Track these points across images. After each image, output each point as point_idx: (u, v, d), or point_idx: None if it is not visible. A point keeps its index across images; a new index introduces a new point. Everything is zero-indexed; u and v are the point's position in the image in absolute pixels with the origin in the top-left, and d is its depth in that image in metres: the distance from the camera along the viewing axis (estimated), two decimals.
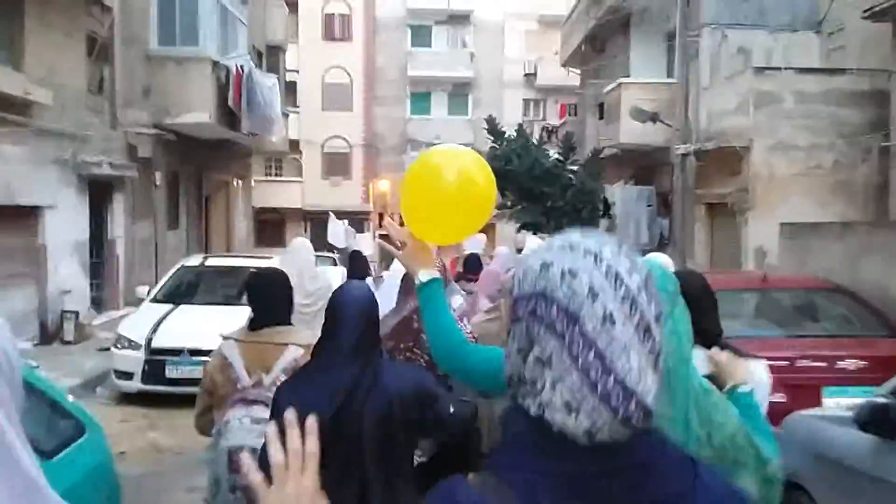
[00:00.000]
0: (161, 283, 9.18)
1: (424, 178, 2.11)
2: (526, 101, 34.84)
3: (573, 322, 0.92)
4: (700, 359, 2.00)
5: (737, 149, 12.17)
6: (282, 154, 32.83)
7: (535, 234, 17.78)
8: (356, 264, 7.35)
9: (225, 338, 3.31)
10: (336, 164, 33.64)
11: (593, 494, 0.92)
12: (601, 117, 17.75)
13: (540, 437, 0.94)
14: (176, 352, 7.57)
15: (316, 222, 32.75)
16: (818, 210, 11.53)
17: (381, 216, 34.84)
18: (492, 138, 17.76)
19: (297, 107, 33.17)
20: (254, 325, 3.27)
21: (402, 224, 2.14)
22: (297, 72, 32.89)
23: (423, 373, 2.78)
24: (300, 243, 6.40)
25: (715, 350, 2.17)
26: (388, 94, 34.12)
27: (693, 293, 2.14)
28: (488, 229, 34.81)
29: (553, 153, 17.92)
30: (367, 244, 30.19)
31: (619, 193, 15.70)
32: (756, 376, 2.31)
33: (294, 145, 32.82)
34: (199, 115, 14.40)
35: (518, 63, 34.37)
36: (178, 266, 9.40)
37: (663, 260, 2.78)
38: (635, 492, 0.93)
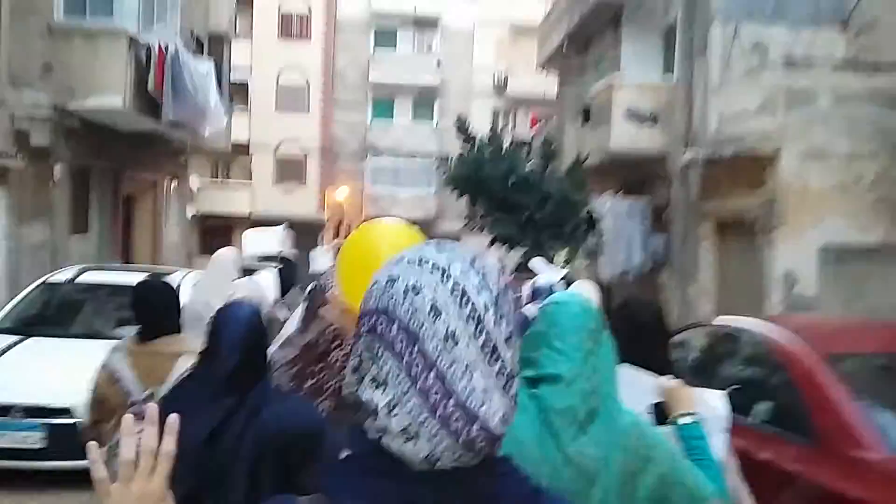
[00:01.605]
0: (9, 305, 6.64)
1: (361, 256, 2.24)
2: (495, 111, 32.76)
3: (413, 341, 0.88)
4: (649, 387, 2.08)
5: (760, 156, 10.13)
6: (229, 156, 30.29)
7: (509, 249, 15.61)
8: (286, 272, 6.60)
9: (113, 350, 3.24)
10: (290, 170, 31.13)
11: None
12: (585, 122, 15.66)
13: (378, 460, 0.89)
14: (2, 409, 5.10)
15: None
16: (858, 231, 9.53)
17: (337, 226, 32.38)
18: (461, 141, 15.55)
19: (248, 107, 30.70)
20: (143, 335, 3.23)
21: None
22: (250, 70, 30.42)
23: (312, 410, 2.40)
24: (222, 256, 5.52)
25: (665, 378, 2.12)
26: (348, 98, 31.79)
27: (643, 323, 2.40)
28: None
29: (529, 161, 15.73)
30: (323, 259, 27.93)
31: (608, 207, 13.56)
32: (710, 406, 2.20)
33: (244, 148, 30.34)
34: (110, 98, 11.92)
35: (488, 71, 32.35)
36: (38, 282, 6.87)
37: (588, 292, 2.38)
38: None
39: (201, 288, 5.19)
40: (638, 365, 2.17)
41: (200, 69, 14.14)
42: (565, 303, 1.85)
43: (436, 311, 0.88)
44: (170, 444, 1.00)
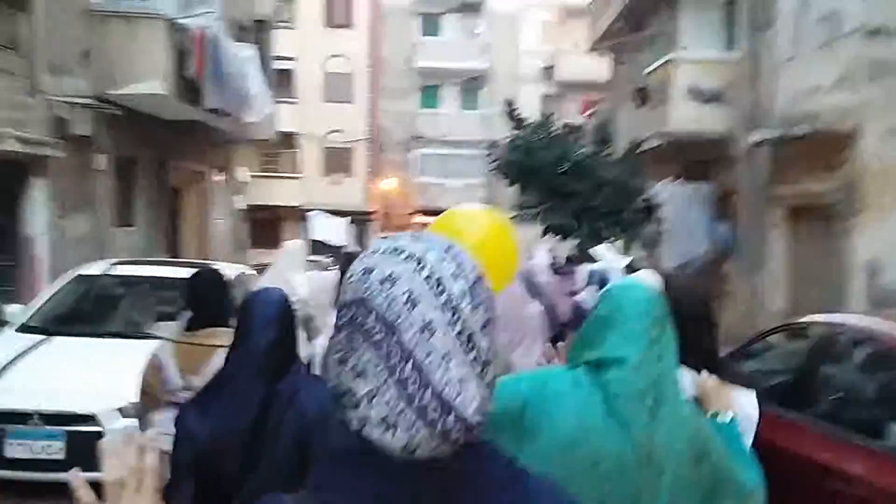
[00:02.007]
0: (37, 301, 6.28)
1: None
2: (544, 97, 31.98)
3: (391, 331, 0.89)
4: (687, 382, 2.03)
5: (837, 135, 9.31)
6: (276, 147, 30.17)
7: (563, 238, 14.96)
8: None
9: (161, 338, 3.33)
10: (337, 160, 30.83)
11: None
12: (641, 104, 14.89)
13: (362, 452, 0.91)
14: (20, 416, 4.71)
15: None
16: None
17: (385, 217, 32.31)
18: (511, 126, 14.92)
19: (295, 97, 30.48)
20: (191, 325, 3.28)
21: None
22: (296, 59, 30.18)
23: (323, 388, 1.58)
24: (291, 246, 5.85)
25: (704, 374, 2.14)
26: (394, 86, 31.33)
27: (691, 313, 2.27)
28: None
29: (582, 147, 15.00)
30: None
31: (669, 193, 12.80)
32: (742, 407, 2.20)
33: (291, 139, 30.18)
34: (150, 84, 11.62)
35: (535, 55, 31.56)
36: (68, 277, 6.51)
37: (651, 281, 2.61)
38: None
39: (272, 276, 5.29)
40: (681, 355, 2.04)
41: (242, 55, 13.80)
42: (630, 287, 1.85)
43: (412, 301, 0.89)
44: (153, 459, 1.02)
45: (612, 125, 15.74)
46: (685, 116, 12.36)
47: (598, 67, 27.36)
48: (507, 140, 14.75)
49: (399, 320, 0.88)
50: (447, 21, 31.64)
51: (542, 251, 10.49)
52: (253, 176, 28.89)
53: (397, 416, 0.87)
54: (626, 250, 13.84)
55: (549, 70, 31.35)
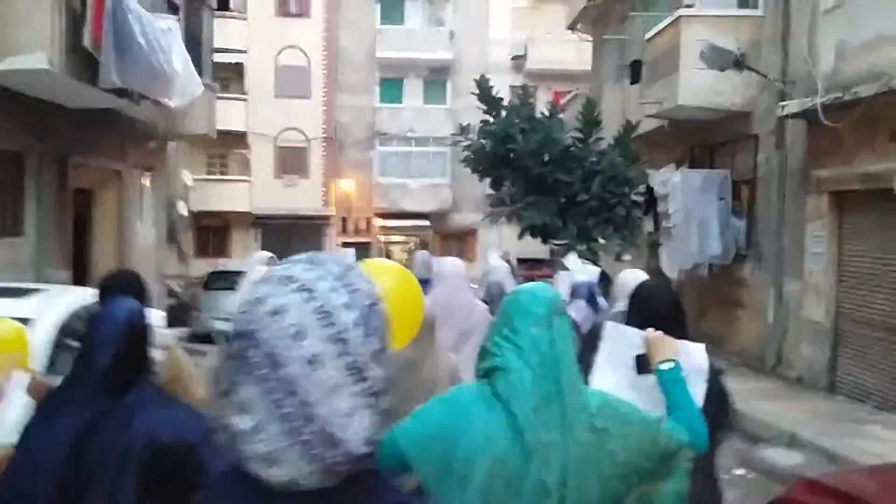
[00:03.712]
0: None
1: None
2: (514, 88, 29.78)
3: (275, 365, 0.88)
4: (634, 341, 2.25)
5: None
6: (225, 148, 27.65)
7: (544, 240, 12.73)
8: None
9: None
10: (291, 161, 28.33)
11: None
12: (634, 80, 12.75)
13: (245, 481, 0.90)
14: None
15: (268, 229, 27.56)
16: None
17: (343, 222, 29.85)
18: (484, 107, 12.67)
19: (245, 93, 27.98)
20: None
21: None
22: (245, 52, 27.68)
23: (194, 419, 2.07)
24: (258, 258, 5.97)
25: (649, 330, 2.26)
26: (353, 80, 28.96)
27: (658, 308, 2.50)
28: (467, 237, 29.99)
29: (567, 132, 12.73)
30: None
31: (675, 182, 10.62)
32: (690, 357, 2.28)
33: (240, 138, 27.68)
34: (32, 58, 9.17)
35: (505, 44, 29.40)
36: None
37: (629, 281, 3.39)
38: None
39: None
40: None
41: (158, 25, 11.35)
42: (516, 293, 1.89)
43: (300, 335, 0.89)
44: None
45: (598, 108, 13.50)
46: (698, 86, 10.23)
47: (573, 55, 25.48)
48: (480, 126, 12.48)
49: (285, 354, 0.88)
50: (410, 8, 29.31)
51: (495, 256, 9.44)
52: (197, 179, 26.39)
53: (281, 451, 0.88)
54: (621, 253, 11.65)
55: (519, 59, 29.20)
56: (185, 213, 25.28)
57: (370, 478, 0.95)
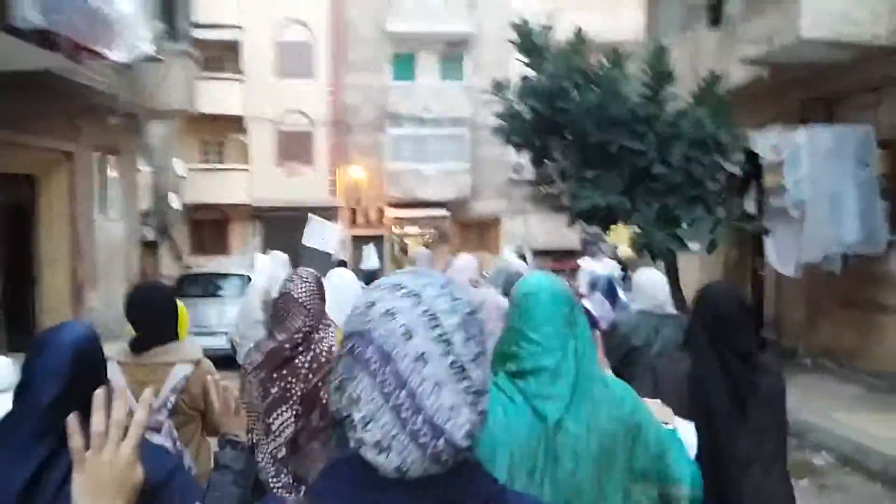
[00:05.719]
0: None
1: None
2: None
3: (386, 361, 0.95)
4: None
5: None
6: (221, 134, 24.98)
7: (606, 228, 9.91)
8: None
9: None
10: (294, 147, 25.59)
11: None
12: (714, 22, 9.84)
13: (357, 468, 0.97)
14: None
15: (270, 222, 24.86)
16: None
17: (353, 213, 26.94)
18: (525, 59, 9.82)
19: (242, 73, 25.26)
20: (137, 346, 3.10)
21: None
22: (241, 28, 24.99)
23: (157, 455, 1.80)
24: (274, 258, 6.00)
25: (648, 400, 2.10)
26: (362, 56, 26.15)
27: (724, 311, 2.41)
28: (489, 227, 27.08)
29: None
30: (374, 258, 22.58)
31: (800, 143, 7.70)
32: (683, 433, 2.16)
33: (238, 123, 25.02)
34: None
35: (530, 15, 26.42)
36: None
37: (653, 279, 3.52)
38: None
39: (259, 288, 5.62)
40: (725, 352, 2.20)
41: None
42: (534, 293, 1.85)
43: (408, 334, 0.96)
44: (142, 415, 1.15)
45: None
46: (824, 13, 7.33)
47: (609, 21, 22.65)
48: (522, 81, 9.64)
49: (395, 351, 0.95)
50: None
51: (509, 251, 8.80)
52: (191, 169, 23.72)
53: (391, 439, 0.94)
54: (714, 244, 8.79)
55: (547, 30, 26.27)
56: (177, 206, 22.68)
57: (471, 469, 1.00)
